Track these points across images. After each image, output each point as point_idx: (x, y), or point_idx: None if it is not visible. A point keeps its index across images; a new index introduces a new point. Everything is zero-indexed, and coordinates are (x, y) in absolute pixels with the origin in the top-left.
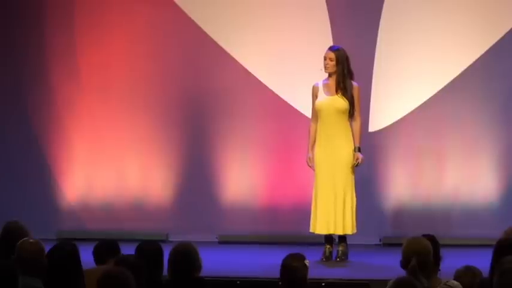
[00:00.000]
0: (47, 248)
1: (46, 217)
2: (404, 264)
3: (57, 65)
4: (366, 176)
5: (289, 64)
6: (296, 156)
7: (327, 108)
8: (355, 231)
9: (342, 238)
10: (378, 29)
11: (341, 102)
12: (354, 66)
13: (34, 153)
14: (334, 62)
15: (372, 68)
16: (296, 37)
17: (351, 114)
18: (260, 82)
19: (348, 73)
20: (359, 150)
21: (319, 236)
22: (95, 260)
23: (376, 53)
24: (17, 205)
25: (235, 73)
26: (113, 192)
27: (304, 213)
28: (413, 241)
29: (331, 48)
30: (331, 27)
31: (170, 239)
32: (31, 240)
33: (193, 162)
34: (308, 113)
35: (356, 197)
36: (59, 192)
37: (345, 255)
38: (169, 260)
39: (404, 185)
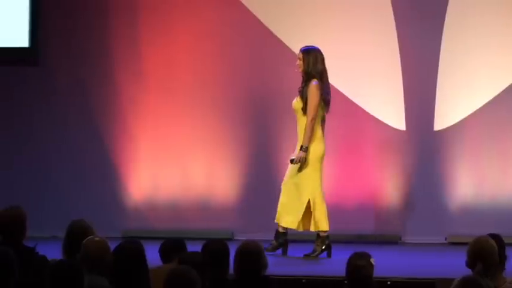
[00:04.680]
0: (112, 246)
1: (112, 216)
2: (470, 264)
3: (122, 65)
4: (431, 175)
5: (355, 65)
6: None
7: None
8: (310, 228)
9: (317, 235)
10: (442, 30)
11: (294, 103)
12: (419, 65)
13: (100, 153)
14: (300, 62)
15: (437, 68)
16: (362, 38)
17: (304, 112)
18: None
19: (316, 73)
20: (305, 150)
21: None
22: (161, 258)
23: (441, 53)
24: (83, 204)
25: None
26: (178, 191)
27: (365, 212)
28: (478, 241)
29: (300, 49)
30: (396, 27)
31: (235, 238)
32: (97, 239)
33: (259, 161)
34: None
35: (317, 194)
36: (124, 191)
37: (317, 252)
38: (235, 259)
39: (470, 184)
